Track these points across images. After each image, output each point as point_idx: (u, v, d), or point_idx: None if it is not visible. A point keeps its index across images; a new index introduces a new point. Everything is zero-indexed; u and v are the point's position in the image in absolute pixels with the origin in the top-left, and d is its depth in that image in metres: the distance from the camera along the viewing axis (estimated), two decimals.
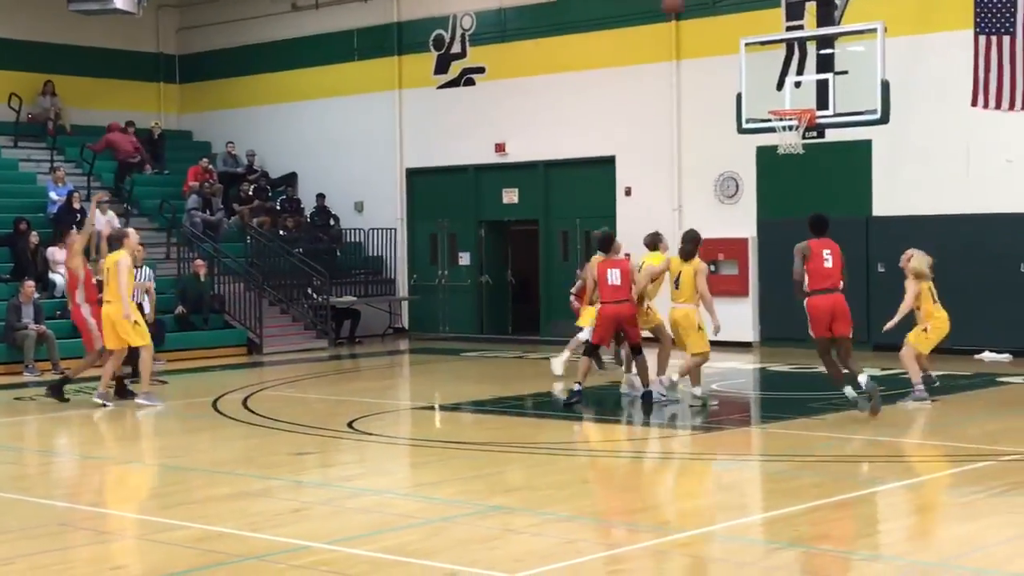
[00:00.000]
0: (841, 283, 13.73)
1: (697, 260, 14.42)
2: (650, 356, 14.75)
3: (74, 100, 28.20)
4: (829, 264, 13.71)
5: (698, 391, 14.46)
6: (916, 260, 14.92)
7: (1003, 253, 19.34)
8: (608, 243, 14.83)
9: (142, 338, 15.43)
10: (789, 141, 18.19)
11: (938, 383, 15.02)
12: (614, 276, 14.33)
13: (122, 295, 14.97)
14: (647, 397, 14.33)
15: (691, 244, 14.51)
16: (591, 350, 14.88)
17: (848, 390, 13.25)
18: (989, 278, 19.60)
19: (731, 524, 9.10)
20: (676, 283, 14.38)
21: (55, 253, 22.20)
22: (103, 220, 23.86)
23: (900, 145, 20.47)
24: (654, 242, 15.44)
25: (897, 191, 20.72)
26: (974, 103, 19.65)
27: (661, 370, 14.84)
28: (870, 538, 8.58)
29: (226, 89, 29.46)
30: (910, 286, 14.86)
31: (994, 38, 19.52)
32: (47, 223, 23.41)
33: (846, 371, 13.46)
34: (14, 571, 7.79)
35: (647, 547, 8.16)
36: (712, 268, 22.46)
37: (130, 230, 16.42)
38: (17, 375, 19.34)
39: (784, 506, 9.30)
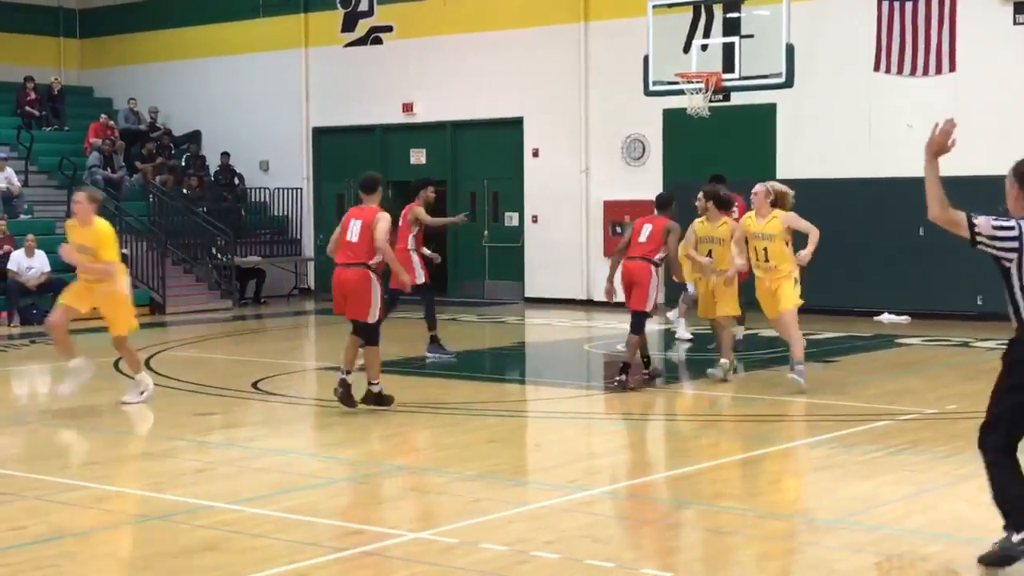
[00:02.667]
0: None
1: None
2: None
3: None
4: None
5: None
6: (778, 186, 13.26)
7: (903, 217, 19.66)
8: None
9: None
10: (696, 104, 18.32)
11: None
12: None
13: None
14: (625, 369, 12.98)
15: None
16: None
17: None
18: (889, 241, 19.97)
19: (634, 483, 9.20)
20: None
21: None
22: (1, 177, 23.42)
23: (804, 109, 20.71)
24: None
25: (800, 154, 20.97)
26: (876, 68, 19.93)
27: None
28: (769, 496, 8.72)
29: (128, 44, 28.92)
30: (798, 220, 12.98)
31: (896, 4, 19.78)
32: None
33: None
34: None
35: (552, 505, 8.22)
36: (618, 230, 22.66)
37: None
38: None
39: (685, 465, 9.43)
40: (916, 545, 7.16)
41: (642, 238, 13.05)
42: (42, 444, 10.77)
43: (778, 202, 12.88)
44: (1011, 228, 6.32)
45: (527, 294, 23.96)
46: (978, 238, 6.34)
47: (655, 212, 13.45)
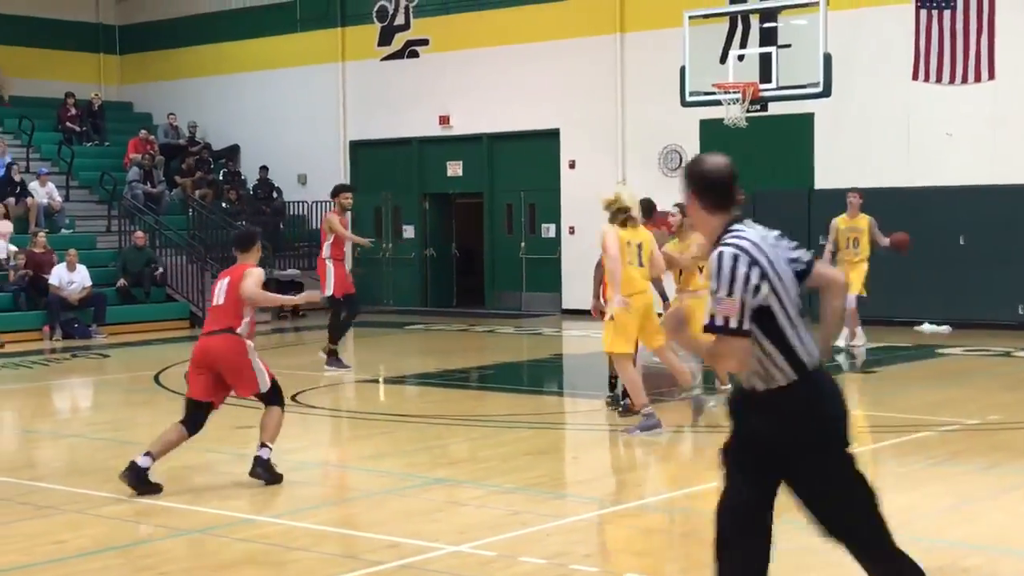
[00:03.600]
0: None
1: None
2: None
3: (14, 71, 27.80)
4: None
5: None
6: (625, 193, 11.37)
7: (943, 226, 19.55)
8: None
9: None
10: (733, 114, 18.27)
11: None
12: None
13: None
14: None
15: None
16: None
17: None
18: (929, 250, 19.81)
19: (673, 495, 9.17)
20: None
21: None
22: (42, 192, 23.64)
23: (842, 118, 20.62)
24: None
25: (838, 164, 20.87)
26: (915, 77, 19.83)
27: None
28: None
29: (167, 60, 29.14)
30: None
31: (935, 12, 19.68)
32: None
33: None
34: None
35: (590, 518, 8.20)
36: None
37: None
38: None
39: None
40: (957, 558, 7.10)
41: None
42: (83, 458, 10.84)
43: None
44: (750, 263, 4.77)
45: (564, 306, 23.95)
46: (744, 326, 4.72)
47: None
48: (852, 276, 16.33)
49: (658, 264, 11.21)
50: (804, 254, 4.97)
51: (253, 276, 9.24)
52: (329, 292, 15.29)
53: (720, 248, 4.80)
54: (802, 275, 4.91)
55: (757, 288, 4.70)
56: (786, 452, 4.84)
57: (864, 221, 17.05)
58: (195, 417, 9.20)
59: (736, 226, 4.93)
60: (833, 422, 4.84)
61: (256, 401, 9.54)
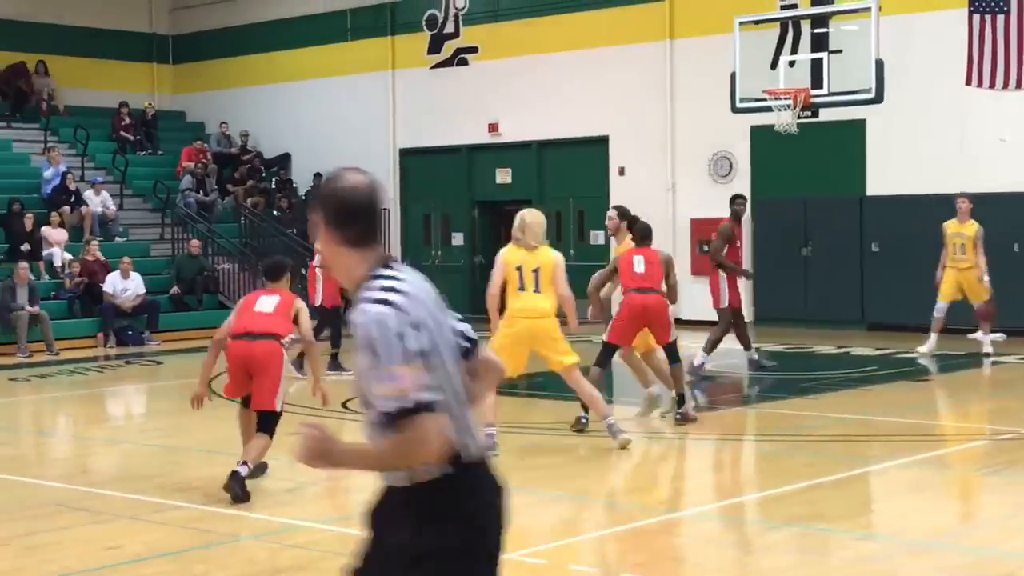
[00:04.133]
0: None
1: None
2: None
3: (69, 81, 28.11)
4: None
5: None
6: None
7: (997, 232, 19.29)
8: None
9: None
10: (784, 120, 18.17)
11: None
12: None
13: None
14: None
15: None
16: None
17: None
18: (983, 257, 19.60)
19: (725, 503, 9.13)
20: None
21: (49, 233, 22.19)
22: (97, 201, 23.89)
23: (894, 124, 20.46)
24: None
25: (891, 170, 20.71)
26: (968, 82, 19.63)
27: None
28: (864, 517, 8.60)
29: (220, 69, 29.37)
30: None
31: (988, 17, 19.49)
32: (41, 203, 23.38)
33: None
34: (10, 551, 7.81)
35: (642, 526, 8.17)
36: (705, 248, 22.52)
37: None
38: (11, 356, 19.33)
39: (778, 486, 9.33)
40: (1014, 568, 7.02)
41: (639, 269, 11.85)
42: (137, 464, 10.93)
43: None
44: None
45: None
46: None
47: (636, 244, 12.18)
48: (960, 281, 16.69)
49: (559, 288, 10.87)
50: (470, 329, 3.92)
51: (307, 314, 9.58)
52: (318, 302, 15.45)
53: (370, 305, 3.61)
54: (467, 353, 3.86)
55: (423, 354, 3.59)
56: (429, 564, 3.68)
57: (972, 228, 16.92)
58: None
59: (386, 270, 3.72)
60: (481, 527, 3.75)
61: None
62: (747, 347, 15.29)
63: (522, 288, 10.65)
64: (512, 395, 14.64)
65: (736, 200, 15.53)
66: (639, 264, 11.86)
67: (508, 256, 10.67)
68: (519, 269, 10.65)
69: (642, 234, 12.16)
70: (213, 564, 7.43)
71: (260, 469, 9.47)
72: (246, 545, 7.84)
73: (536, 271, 10.63)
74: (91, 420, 14.04)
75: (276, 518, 8.54)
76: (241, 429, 9.60)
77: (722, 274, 15.02)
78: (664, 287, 11.89)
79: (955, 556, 7.26)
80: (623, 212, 12.88)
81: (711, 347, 15.10)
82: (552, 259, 10.71)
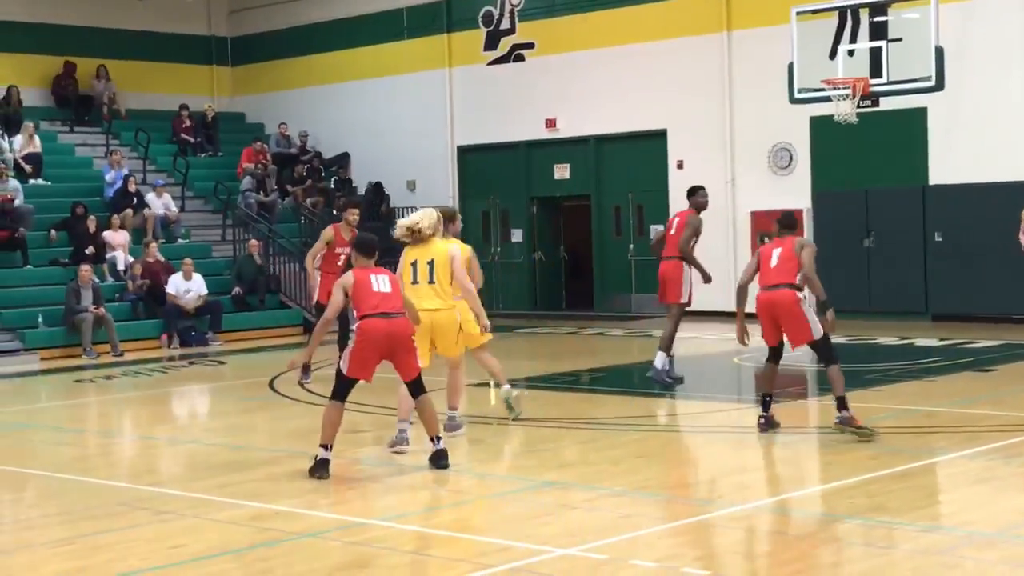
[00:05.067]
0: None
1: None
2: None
3: (129, 84, 28.42)
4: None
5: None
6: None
7: None
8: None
9: None
10: (843, 110, 17.99)
11: None
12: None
13: None
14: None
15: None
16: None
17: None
18: None
19: (787, 497, 9.06)
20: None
21: (112, 236, 22.44)
22: (159, 203, 24.13)
23: (956, 112, 20.21)
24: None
25: (954, 159, 20.46)
26: None
27: None
28: (927, 509, 8.50)
29: (278, 70, 29.57)
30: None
31: None
32: (103, 207, 23.65)
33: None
34: (76, 550, 7.90)
35: (703, 520, 8.13)
36: (766, 240, 22.35)
37: None
38: (76, 358, 19.58)
39: (841, 478, 9.24)
40: None
41: (773, 263, 11.13)
42: (200, 463, 11.03)
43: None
44: None
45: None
46: None
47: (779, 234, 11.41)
48: None
49: (457, 278, 11.10)
50: None
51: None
52: (314, 299, 15.33)
53: None
54: None
55: None
56: None
57: None
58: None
59: None
60: None
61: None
62: (668, 350, 14.13)
63: (414, 282, 11.02)
64: (573, 390, 14.63)
65: (699, 192, 14.39)
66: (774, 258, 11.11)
67: (407, 253, 11.18)
68: (415, 264, 11.09)
69: (781, 223, 11.45)
70: (275, 562, 7.47)
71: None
72: (308, 543, 7.88)
73: (430, 263, 11.01)
74: (155, 420, 14.19)
75: (338, 516, 8.57)
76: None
77: (687, 267, 14.06)
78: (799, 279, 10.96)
79: (1021, 548, 7.15)
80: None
81: (667, 345, 14.09)
82: (446, 252, 11.06)
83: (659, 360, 14.05)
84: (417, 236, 11.03)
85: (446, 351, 11.30)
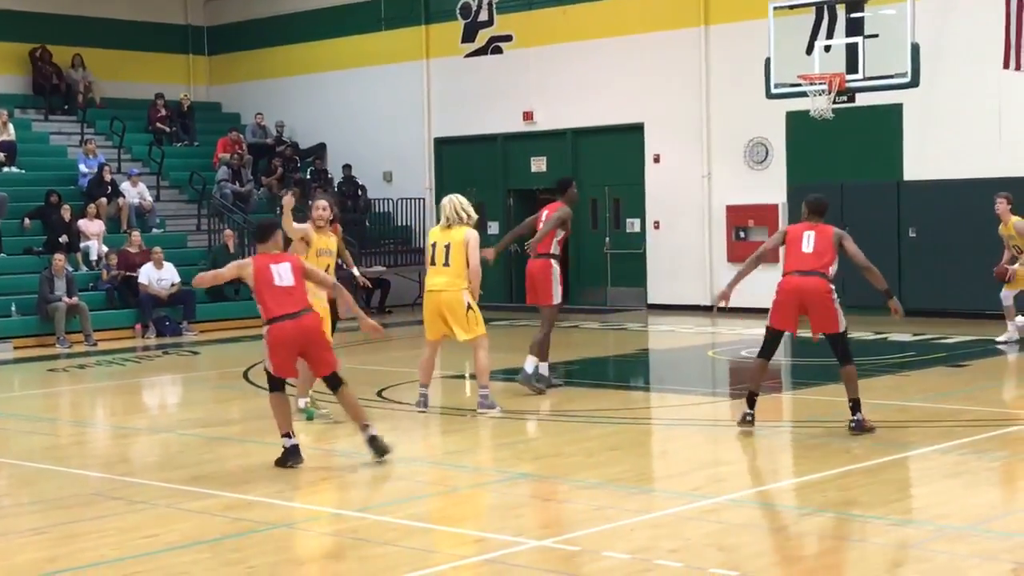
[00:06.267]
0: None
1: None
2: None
3: (105, 73, 28.28)
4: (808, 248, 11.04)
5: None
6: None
7: None
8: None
9: None
10: (819, 106, 18.07)
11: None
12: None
13: None
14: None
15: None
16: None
17: None
18: None
19: (761, 489, 9.10)
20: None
21: (87, 226, 22.33)
22: (134, 193, 24.03)
23: (931, 109, 20.30)
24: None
25: (928, 155, 20.56)
26: (1006, 65, 19.42)
27: None
28: (900, 503, 8.55)
29: (254, 60, 29.48)
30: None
31: None
32: (78, 195, 23.54)
33: None
34: (49, 540, 7.88)
35: (676, 513, 8.16)
36: (742, 235, 22.44)
37: None
38: (50, 347, 19.50)
39: (814, 472, 9.29)
40: None
41: (807, 248, 10.91)
42: (174, 453, 11.00)
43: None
44: None
45: (650, 300, 23.84)
46: None
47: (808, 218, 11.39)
48: None
49: (471, 264, 11.75)
50: None
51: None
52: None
53: None
54: None
55: None
56: None
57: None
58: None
59: None
60: None
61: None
62: (543, 356, 13.44)
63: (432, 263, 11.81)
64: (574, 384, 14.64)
65: (572, 185, 13.96)
66: (807, 242, 10.99)
67: (432, 234, 12.01)
68: (435, 246, 11.81)
69: (811, 208, 11.32)
70: (249, 552, 7.46)
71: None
72: (282, 533, 7.88)
73: (447, 247, 11.70)
74: (129, 410, 14.15)
75: (312, 506, 8.56)
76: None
77: (555, 265, 13.51)
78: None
79: (992, 541, 7.20)
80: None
81: (541, 350, 13.40)
82: (463, 237, 11.72)
83: (529, 364, 13.25)
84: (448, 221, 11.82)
85: (461, 331, 11.86)
